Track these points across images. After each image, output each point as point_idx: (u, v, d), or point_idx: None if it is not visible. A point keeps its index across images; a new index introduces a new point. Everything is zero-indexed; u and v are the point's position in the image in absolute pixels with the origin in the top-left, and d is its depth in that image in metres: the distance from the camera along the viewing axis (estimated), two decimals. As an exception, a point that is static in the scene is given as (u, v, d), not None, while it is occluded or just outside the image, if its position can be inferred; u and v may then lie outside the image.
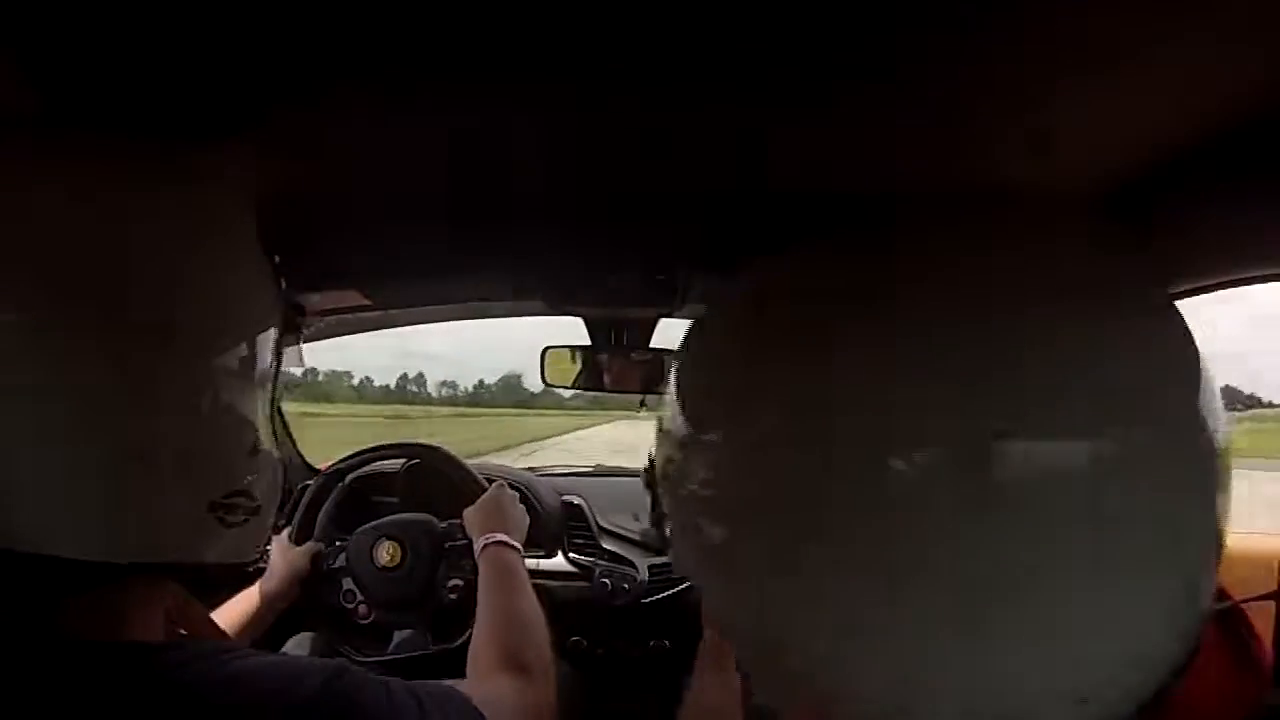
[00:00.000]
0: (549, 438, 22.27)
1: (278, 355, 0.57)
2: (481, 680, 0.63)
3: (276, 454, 0.58)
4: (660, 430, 0.48)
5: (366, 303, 1.10)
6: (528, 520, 0.96)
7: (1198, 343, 0.38)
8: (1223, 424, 0.37)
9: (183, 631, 0.61)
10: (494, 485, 0.99)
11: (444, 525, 1.21)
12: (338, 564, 1.22)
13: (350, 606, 1.21)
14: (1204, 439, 0.36)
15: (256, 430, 0.53)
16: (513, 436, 21.73)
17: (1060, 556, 0.33)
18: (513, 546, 0.84)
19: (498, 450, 13.33)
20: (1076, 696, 0.34)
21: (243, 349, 0.52)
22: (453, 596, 1.17)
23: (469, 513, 0.95)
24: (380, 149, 0.70)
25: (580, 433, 24.85)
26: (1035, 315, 0.37)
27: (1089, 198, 0.66)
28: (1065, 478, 0.34)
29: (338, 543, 1.24)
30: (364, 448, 1.34)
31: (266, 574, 1.10)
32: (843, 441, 0.36)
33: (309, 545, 1.22)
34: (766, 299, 0.45)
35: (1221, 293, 0.74)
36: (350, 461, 1.29)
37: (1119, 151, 0.61)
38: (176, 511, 0.48)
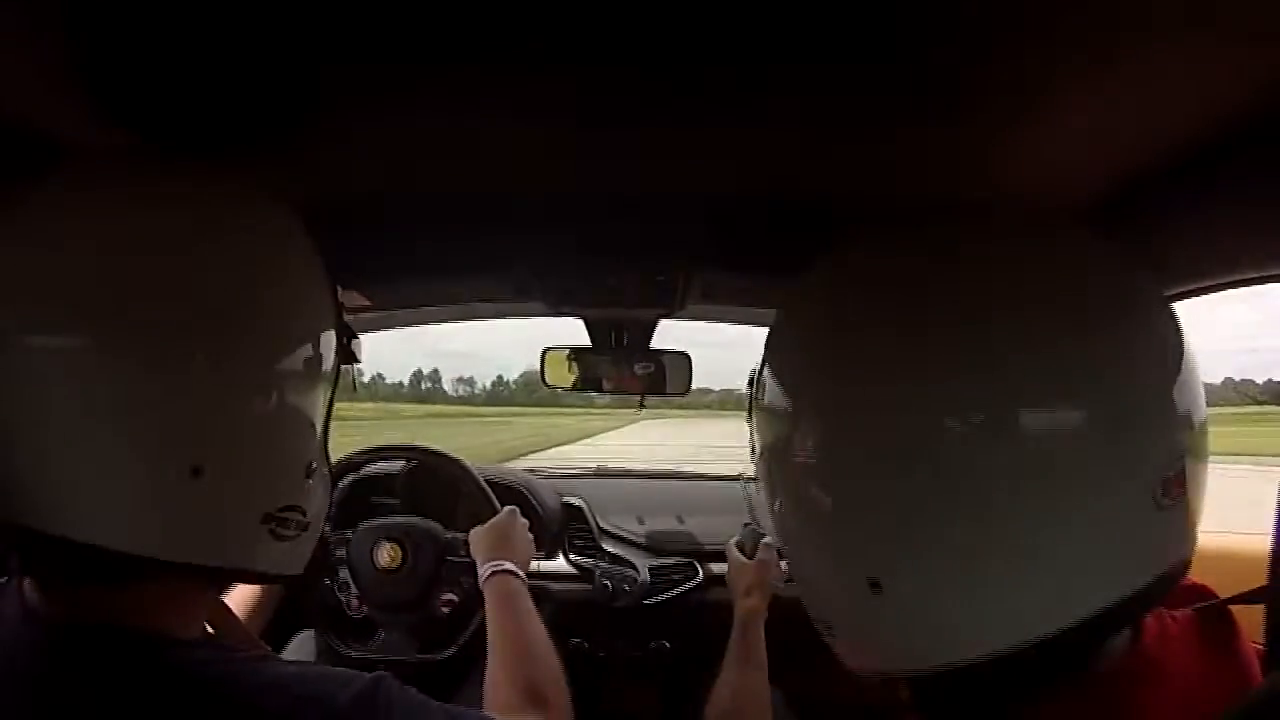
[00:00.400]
0: (576, 441, 20.33)
1: (336, 372, 0.58)
2: (505, 715, 0.64)
3: (327, 471, 0.59)
4: (759, 415, 0.51)
5: (366, 303, 1.10)
6: (534, 550, 0.95)
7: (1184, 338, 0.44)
8: (1200, 410, 0.43)
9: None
10: (506, 510, 0.99)
11: (448, 537, 1.21)
12: (339, 554, 1.22)
13: (343, 598, 1.21)
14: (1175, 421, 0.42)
15: (313, 448, 0.55)
16: (535, 439, 20.24)
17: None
18: (518, 575, 0.83)
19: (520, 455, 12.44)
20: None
21: (306, 366, 0.53)
22: (445, 610, 1.17)
23: (476, 533, 0.94)
24: (381, 150, 0.70)
25: (611, 435, 22.73)
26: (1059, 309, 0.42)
27: (1090, 200, 0.66)
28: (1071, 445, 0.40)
29: (343, 534, 1.24)
30: (364, 448, 1.33)
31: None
32: (936, 408, 0.41)
33: None
34: (856, 283, 0.48)
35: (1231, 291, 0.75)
36: (351, 462, 1.29)
37: (1119, 152, 0.61)
38: (234, 519, 0.50)
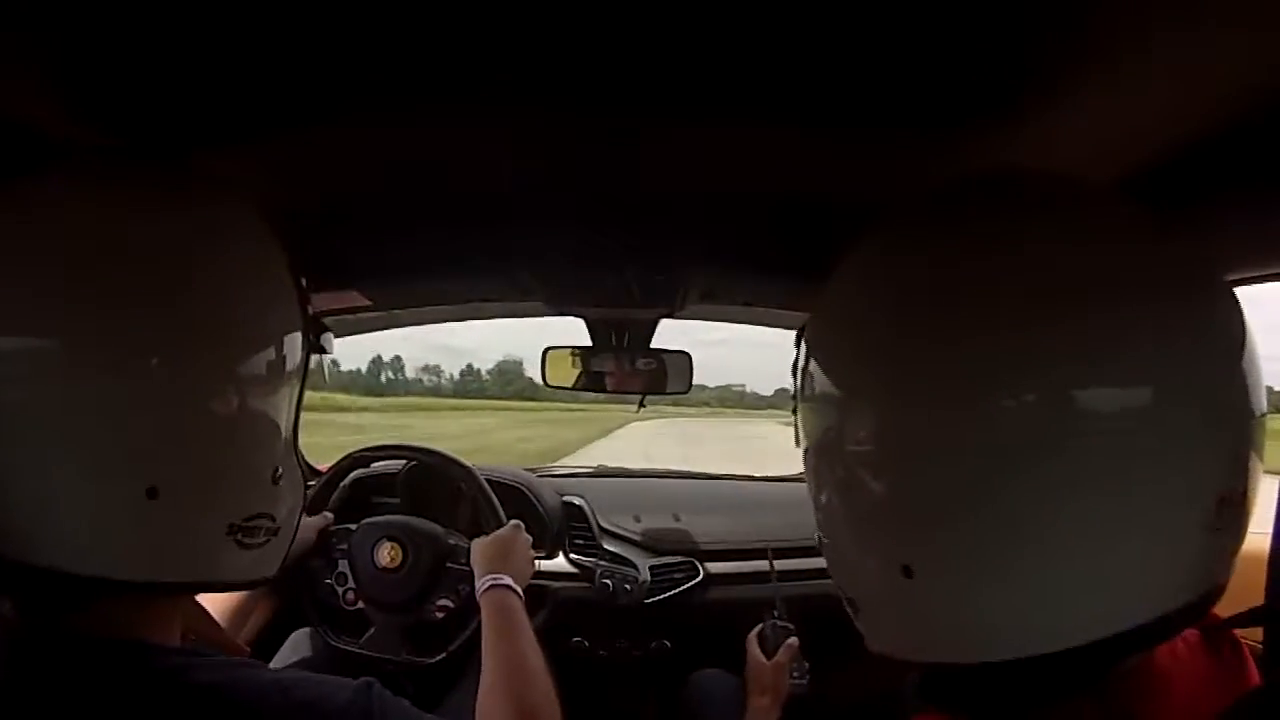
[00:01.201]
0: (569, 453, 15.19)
1: (303, 375, 0.57)
2: None
3: (299, 472, 0.58)
4: (805, 408, 0.50)
5: (366, 303, 1.10)
6: (534, 567, 0.96)
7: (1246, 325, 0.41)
8: (1261, 397, 0.41)
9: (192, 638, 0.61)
10: (510, 525, 1.00)
11: (450, 542, 1.20)
12: (340, 547, 1.22)
13: (339, 590, 1.21)
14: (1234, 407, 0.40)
15: (279, 452, 0.54)
16: (509, 445, 17.48)
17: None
18: (515, 591, 0.84)
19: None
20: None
21: (267, 371, 0.52)
22: (439, 615, 1.17)
23: (479, 544, 0.95)
24: (381, 151, 0.70)
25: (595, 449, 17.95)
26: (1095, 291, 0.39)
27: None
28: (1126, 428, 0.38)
29: (346, 526, 1.24)
30: (365, 447, 1.34)
31: None
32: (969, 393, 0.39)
33: (319, 518, 1.21)
34: (901, 269, 0.46)
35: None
36: (351, 462, 1.29)
37: (1119, 152, 0.60)
38: (195, 534, 0.49)
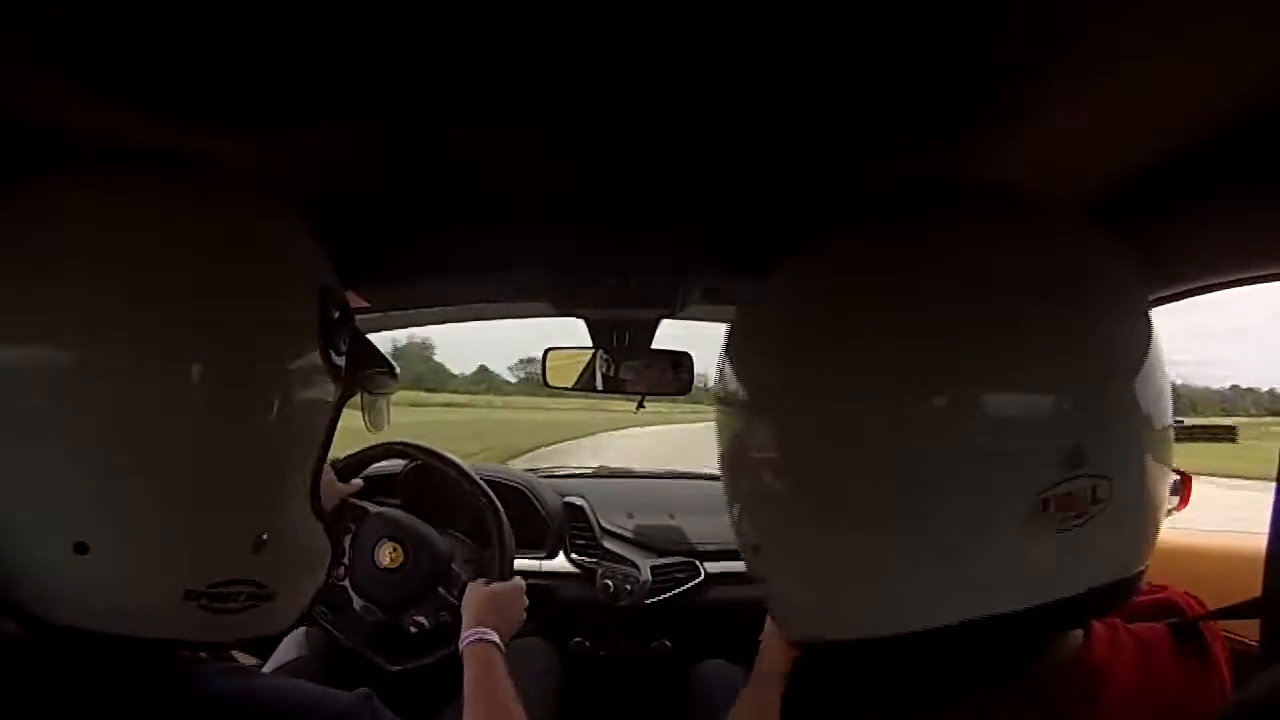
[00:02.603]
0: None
1: (335, 413, 0.49)
2: None
3: (315, 526, 0.51)
4: (722, 414, 0.52)
5: (366, 303, 1.10)
6: (523, 619, 0.98)
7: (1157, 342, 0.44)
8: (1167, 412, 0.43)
9: None
10: (514, 582, 1.01)
11: (452, 567, 1.20)
12: (350, 523, 1.22)
13: (333, 564, 1.21)
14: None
15: (266, 515, 0.46)
16: None
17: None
18: (499, 646, 0.86)
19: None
20: None
21: (242, 417, 0.44)
22: (411, 629, 1.17)
23: (475, 591, 0.97)
24: (382, 151, 0.70)
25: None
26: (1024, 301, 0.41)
27: (1089, 198, 0.66)
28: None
29: (362, 505, 1.25)
30: (365, 447, 1.33)
31: None
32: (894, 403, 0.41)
33: (350, 485, 1.19)
34: (816, 284, 0.48)
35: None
36: (351, 462, 1.29)
37: (1120, 151, 0.60)
38: (140, 596, 0.43)
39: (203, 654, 0.50)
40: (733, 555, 1.40)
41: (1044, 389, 0.40)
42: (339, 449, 1.37)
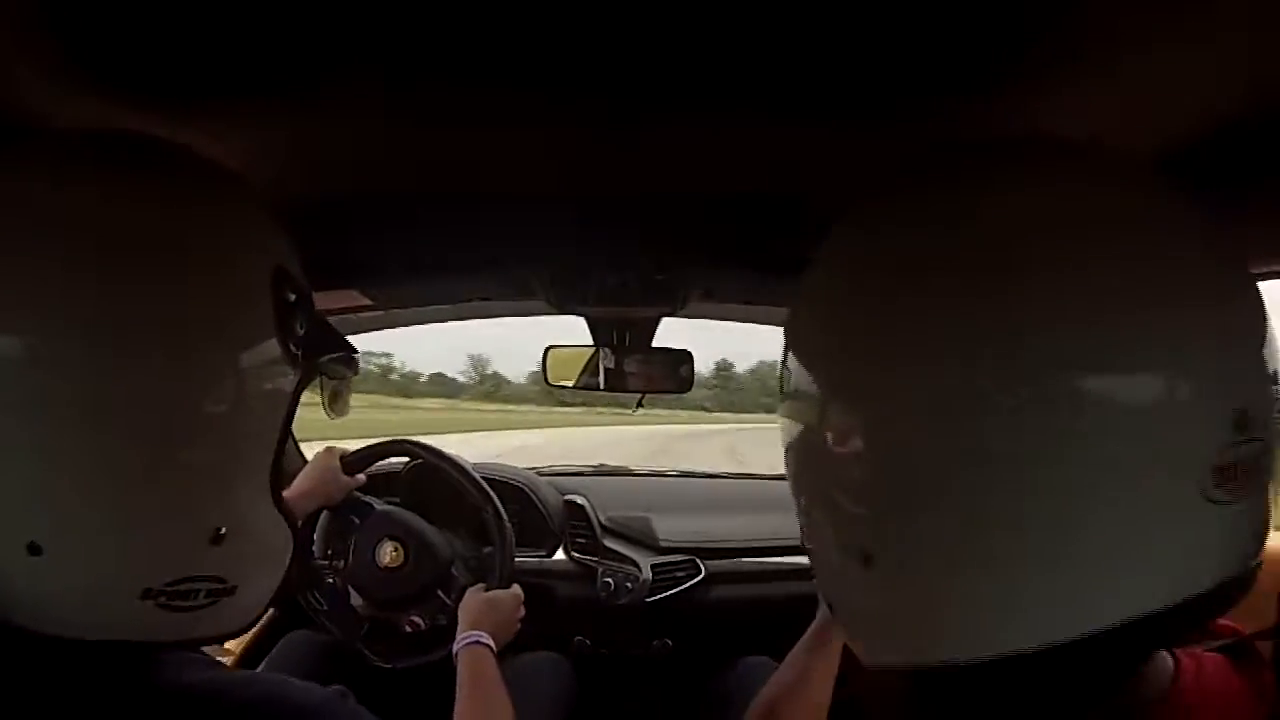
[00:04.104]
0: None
1: (293, 402, 0.48)
2: None
3: (275, 517, 0.50)
4: (785, 401, 0.46)
5: (367, 302, 1.10)
6: (518, 628, 0.99)
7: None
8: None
9: None
10: (513, 591, 1.02)
11: (452, 573, 1.20)
12: (353, 518, 1.22)
13: (330, 559, 1.22)
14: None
15: (229, 508, 0.45)
16: None
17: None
18: (491, 649, 0.87)
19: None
20: None
21: (196, 412, 0.42)
22: (406, 629, 1.18)
23: (473, 596, 0.99)
24: (382, 149, 0.70)
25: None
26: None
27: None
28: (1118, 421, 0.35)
29: (366, 500, 1.24)
30: (365, 445, 1.33)
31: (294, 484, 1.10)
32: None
33: (353, 479, 1.20)
34: (860, 249, 0.43)
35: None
36: (360, 456, 1.28)
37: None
38: (97, 595, 0.42)
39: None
40: (733, 554, 1.40)
41: (1203, 344, 0.36)
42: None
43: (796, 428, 0.44)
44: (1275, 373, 0.38)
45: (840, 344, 0.42)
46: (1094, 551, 0.35)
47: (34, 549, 0.39)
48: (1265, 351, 0.38)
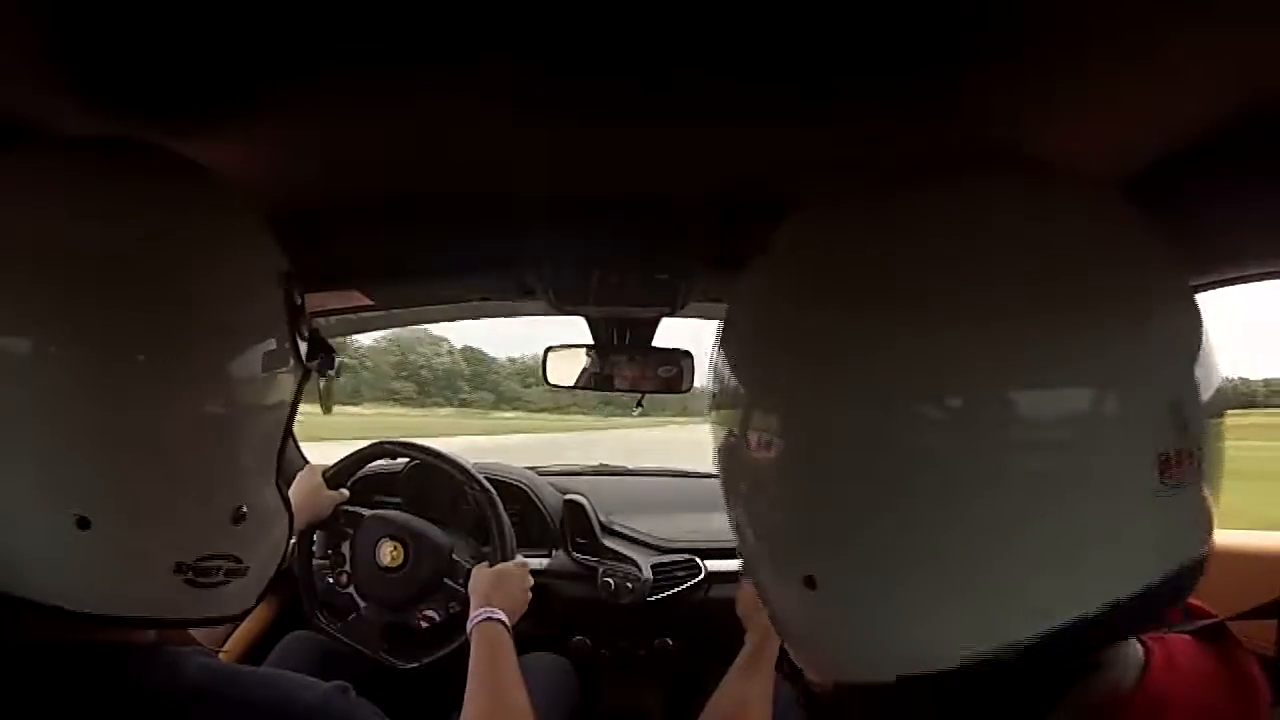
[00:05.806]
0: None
1: (291, 405, 0.52)
2: None
3: (281, 510, 0.54)
4: (715, 406, 0.45)
5: (367, 302, 1.10)
6: (526, 603, 0.98)
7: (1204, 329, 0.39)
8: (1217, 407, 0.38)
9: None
10: (518, 561, 1.02)
11: (454, 558, 1.20)
12: (347, 529, 1.22)
13: (335, 571, 1.22)
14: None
15: (247, 490, 0.49)
16: None
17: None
18: (506, 625, 0.86)
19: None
20: None
21: (228, 406, 0.47)
22: (422, 624, 1.17)
23: (479, 572, 0.98)
24: (382, 149, 0.70)
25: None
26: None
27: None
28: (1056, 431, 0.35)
29: (356, 510, 1.24)
30: (365, 446, 1.33)
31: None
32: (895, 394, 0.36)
33: (337, 493, 1.21)
34: (808, 254, 0.43)
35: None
36: (340, 468, 1.28)
37: (1120, 150, 0.60)
38: (134, 570, 0.45)
39: (184, 644, 0.51)
40: (733, 554, 1.40)
41: (1133, 344, 0.36)
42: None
43: (733, 441, 0.43)
44: (1204, 359, 0.38)
45: (769, 357, 0.42)
46: (1043, 552, 0.35)
47: (83, 523, 0.42)
48: (1193, 340, 0.38)
